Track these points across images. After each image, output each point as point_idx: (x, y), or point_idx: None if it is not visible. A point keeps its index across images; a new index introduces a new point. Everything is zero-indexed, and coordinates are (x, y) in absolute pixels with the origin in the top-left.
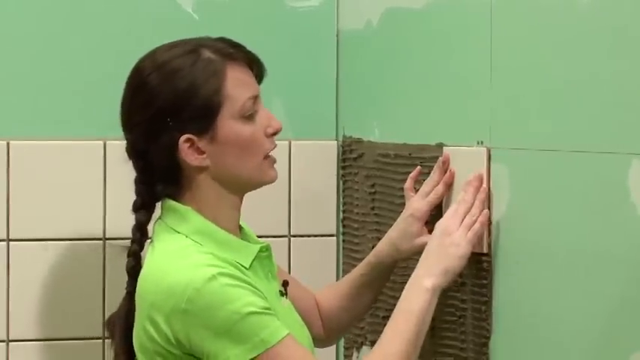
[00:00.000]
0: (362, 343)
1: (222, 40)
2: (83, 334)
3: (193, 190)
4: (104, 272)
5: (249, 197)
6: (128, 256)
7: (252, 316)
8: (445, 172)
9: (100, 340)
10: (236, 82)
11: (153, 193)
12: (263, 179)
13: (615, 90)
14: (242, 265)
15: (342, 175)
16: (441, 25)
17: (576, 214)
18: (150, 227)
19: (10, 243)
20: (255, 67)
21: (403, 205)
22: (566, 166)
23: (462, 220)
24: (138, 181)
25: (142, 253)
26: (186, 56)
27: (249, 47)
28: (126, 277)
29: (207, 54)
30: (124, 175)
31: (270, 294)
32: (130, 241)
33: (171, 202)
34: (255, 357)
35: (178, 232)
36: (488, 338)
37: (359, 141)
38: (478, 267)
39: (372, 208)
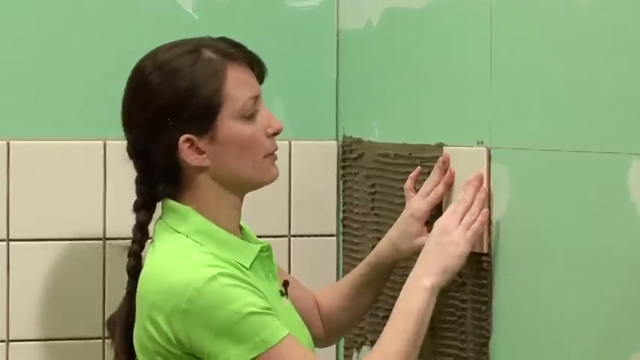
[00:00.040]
0: (362, 343)
1: (223, 40)
2: (83, 334)
3: (193, 190)
4: (104, 272)
5: (249, 197)
6: (129, 256)
7: (252, 316)
8: (445, 172)
9: (100, 340)
10: (236, 82)
11: (153, 193)
12: (264, 179)
13: (615, 90)
14: (242, 265)
15: (342, 175)
16: (441, 25)
17: (576, 214)
18: (150, 227)
19: (10, 243)
20: (256, 67)
21: (403, 205)
22: (567, 166)
23: (461, 219)
24: (138, 181)
25: (142, 253)
26: (186, 56)
27: (250, 47)
28: (126, 277)
29: (207, 54)
30: (124, 175)
31: (271, 294)
32: (130, 241)
33: (172, 202)
34: (255, 357)
35: (179, 232)
36: (489, 338)
37: (359, 141)
38: (478, 267)
39: (372, 208)
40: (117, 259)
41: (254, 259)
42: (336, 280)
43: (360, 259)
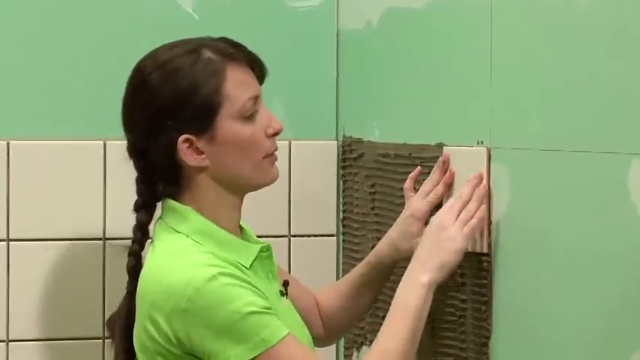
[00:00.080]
0: (362, 343)
1: (223, 40)
2: (83, 334)
3: (193, 190)
4: (104, 272)
5: (249, 197)
6: (129, 255)
7: (252, 316)
8: (445, 172)
9: (100, 340)
10: (236, 83)
11: (153, 193)
12: (263, 179)
13: (615, 90)
14: (242, 265)
15: (342, 175)
16: (441, 25)
17: (576, 214)
18: (151, 227)
19: (10, 243)
20: (257, 67)
21: (403, 205)
22: (567, 166)
23: (458, 215)
24: (138, 181)
25: (142, 253)
26: (186, 56)
27: (250, 47)
28: (126, 277)
29: (207, 54)
30: (124, 175)
31: (271, 294)
32: (130, 240)
33: (172, 202)
34: (256, 356)
35: (179, 232)
36: (489, 338)
37: (359, 141)
38: (478, 267)
39: (372, 208)
40: (117, 259)
41: (254, 259)
42: (336, 280)
43: (360, 259)
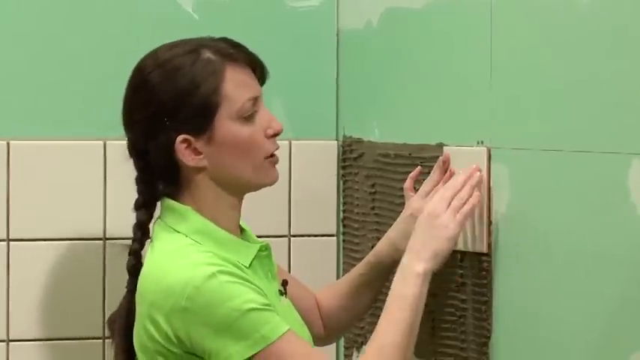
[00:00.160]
0: (362, 343)
1: (223, 40)
2: (83, 334)
3: (192, 190)
4: (104, 272)
5: (249, 197)
6: (129, 254)
7: (252, 313)
8: (445, 171)
9: (100, 340)
10: (235, 83)
11: (153, 192)
12: (263, 180)
13: (615, 90)
14: (242, 265)
15: (342, 175)
16: (441, 25)
17: (576, 214)
18: (151, 226)
19: (10, 243)
20: (257, 68)
21: (403, 205)
22: (567, 166)
23: (449, 202)
24: (138, 180)
25: (142, 252)
26: (186, 56)
27: (250, 47)
28: (126, 277)
29: (207, 54)
30: (124, 175)
31: (270, 293)
32: (130, 240)
33: (171, 202)
34: (256, 353)
35: (178, 232)
36: (489, 338)
37: (359, 141)
38: (478, 267)
39: (372, 208)
40: (117, 258)
41: (253, 259)
42: (336, 280)
43: (360, 259)
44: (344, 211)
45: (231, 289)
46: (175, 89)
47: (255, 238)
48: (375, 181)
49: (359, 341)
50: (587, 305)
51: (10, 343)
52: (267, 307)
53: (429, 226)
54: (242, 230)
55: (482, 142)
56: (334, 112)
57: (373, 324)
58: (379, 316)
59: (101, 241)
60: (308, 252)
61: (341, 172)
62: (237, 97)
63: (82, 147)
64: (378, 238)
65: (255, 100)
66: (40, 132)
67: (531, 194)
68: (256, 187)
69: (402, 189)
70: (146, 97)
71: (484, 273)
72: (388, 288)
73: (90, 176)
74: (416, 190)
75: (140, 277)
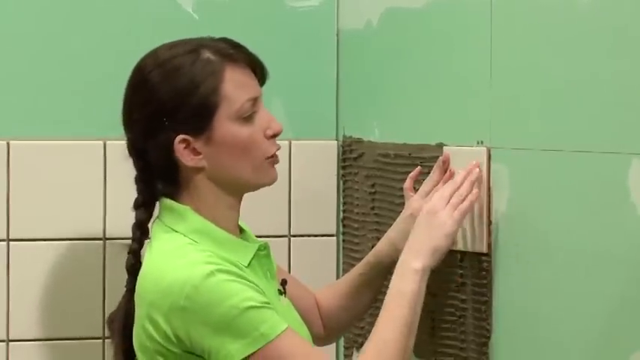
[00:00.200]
0: (362, 343)
1: (223, 40)
2: (83, 334)
3: (191, 190)
4: (104, 272)
5: (249, 198)
6: (128, 253)
7: (251, 311)
8: (445, 171)
9: (100, 340)
10: (235, 84)
11: (152, 192)
12: (262, 180)
13: (615, 90)
14: (241, 264)
15: (342, 175)
16: (441, 25)
17: (576, 214)
18: (150, 225)
19: (10, 243)
20: (257, 69)
21: (403, 205)
22: (567, 166)
23: (449, 200)
24: (138, 180)
25: (141, 251)
26: (186, 55)
27: (250, 47)
28: (126, 277)
29: (206, 54)
30: (124, 175)
31: (269, 292)
32: (130, 240)
33: (169, 202)
34: (255, 351)
35: (176, 232)
36: (489, 338)
37: (359, 141)
38: (478, 267)
39: (372, 208)
40: (117, 258)
41: (252, 258)
42: (336, 280)
43: (360, 259)
44: (344, 211)
45: (230, 288)
46: (175, 89)
47: (255, 238)
48: (375, 181)
49: (359, 341)
50: (587, 305)
51: (10, 343)
52: (265, 305)
53: (427, 223)
54: (241, 230)
55: (482, 142)
56: (334, 112)
57: (373, 324)
58: (379, 315)
59: (101, 241)
60: (308, 252)
61: (341, 172)
62: (237, 98)
63: (82, 147)
64: (378, 238)
65: (255, 100)
66: (40, 132)
67: (531, 194)
68: (255, 187)
69: (401, 189)
70: (145, 96)
71: (484, 273)
72: (388, 287)
73: (90, 176)
74: (416, 190)
75: (139, 278)
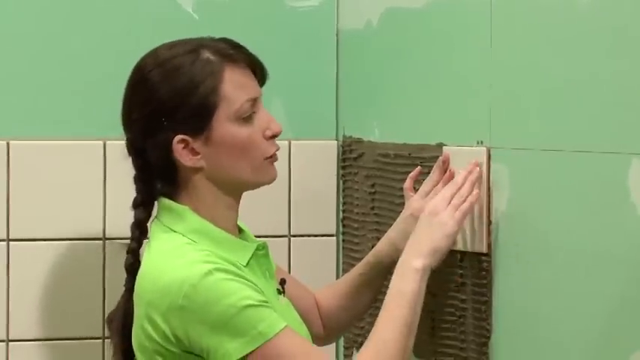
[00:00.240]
0: (362, 343)
1: (224, 40)
2: (83, 334)
3: (190, 190)
4: (104, 272)
5: (249, 197)
6: (127, 253)
7: (249, 309)
8: (445, 171)
9: (100, 340)
10: (234, 84)
11: (151, 191)
12: (262, 179)
13: (615, 90)
14: (239, 263)
15: (342, 175)
16: (441, 24)
17: (576, 214)
18: (149, 225)
19: (10, 243)
20: (257, 69)
21: (403, 205)
22: (567, 166)
23: (450, 200)
24: (136, 179)
25: (140, 251)
26: (186, 55)
27: (250, 47)
28: (125, 277)
29: (206, 54)
30: (123, 175)
31: (268, 292)
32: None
33: (168, 202)
34: (254, 350)
35: (175, 232)
36: (489, 338)
37: (359, 141)
38: (478, 267)
39: (372, 208)
40: (116, 258)
41: (250, 257)
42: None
43: (360, 259)
44: (344, 211)
45: (228, 287)
46: (174, 89)
47: (254, 237)
48: (374, 181)
49: (359, 341)
50: (587, 305)
51: (10, 343)
52: (264, 304)
53: (428, 223)
54: (240, 230)
55: (482, 142)
56: (334, 112)
57: (373, 324)
58: (378, 314)
59: (101, 241)
60: (308, 252)
61: (341, 172)
62: (236, 98)
63: (82, 147)
64: (378, 238)
65: (254, 101)
66: (40, 132)
67: (531, 194)
68: (254, 186)
69: (401, 189)
70: (145, 95)
71: (484, 273)
72: (388, 287)
73: (90, 176)
74: (416, 190)
75: (138, 278)
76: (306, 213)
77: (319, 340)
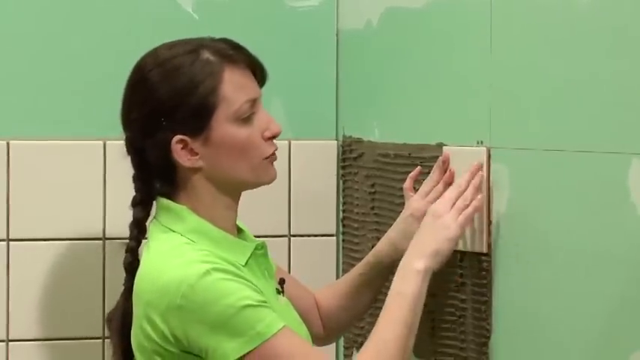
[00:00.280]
0: (362, 343)
1: (224, 41)
2: (83, 334)
3: (189, 190)
4: (104, 272)
5: (249, 197)
6: (125, 252)
7: (247, 310)
8: (445, 171)
9: (100, 340)
10: (233, 85)
11: (150, 190)
12: (261, 179)
13: (615, 90)
14: (238, 263)
15: (342, 175)
16: (441, 24)
17: (576, 213)
18: (148, 224)
19: (10, 243)
20: (257, 70)
21: (403, 205)
22: (567, 165)
23: (454, 203)
24: (136, 178)
25: (139, 249)
26: (186, 55)
27: (249, 47)
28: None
29: (206, 55)
30: (123, 175)
31: (268, 292)
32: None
33: (166, 202)
34: (252, 350)
35: (174, 232)
36: (488, 338)
37: (359, 141)
38: (478, 267)
39: (372, 208)
40: (116, 258)
41: (249, 257)
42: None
43: (360, 259)
44: (344, 211)
45: (226, 287)
46: (174, 89)
47: (253, 237)
48: (374, 181)
49: (359, 341)
50: (587, 305)
51: (10, 343)
52: (262, 304)
53: (430, 225)
54: (240, 231)
55: (482, 142)
56: (334, 112)
57: (373, 324)
58: (379, 315)
59: (101, 241)
60: (308, 252)
61: (341, 172)
62: (235, 99)
63: (82, 147)
64: (378, 238)
65: (254, 102)
66: (40, 132)
67: (531, 194)
68: (254, 186)
69: (401, 189)
70: (144, 95)
71: (484, 273)
72: (388, 288)
73: (90, 176)
74: (416, 190)
75: (136, 278)
76: (306, 213)
77: (319, 340)
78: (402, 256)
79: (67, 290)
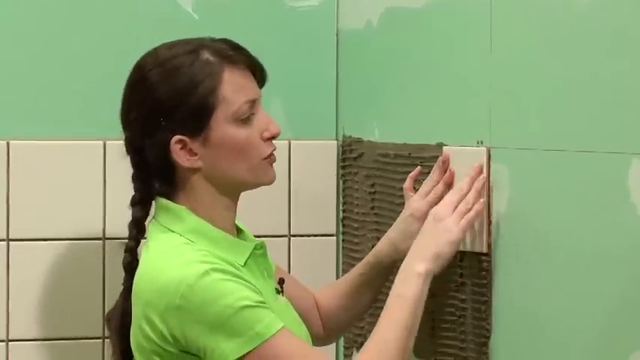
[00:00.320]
0: (362, 343)
1: (224, 41)
2: (83, 334)
3: (188, 190)
4: (104, 272)
5: (248, 197)
6: (125, 251)
7: (246, 310)
8: (445, 171)
9: (100, 340)
10: (233, 85)
11: (149, 190)
12: (260, 180)
13: (615, 90)
14: (237, 263)
15: (342, 175)
16: (441, 24)
17: (576, 213)
18: (147, 224)
19: (10, 243)
20: (257, 71)
21: (403, 205)
22: (567, 165)
23: (456, 207)
24: (135, 177)
25: (138, 249)
26: (186, 56)
27: (249, 47)
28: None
29: (206, 55)
30: (123, 175)
31: (267, 292)
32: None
33: (165, 202)
34: (250, 350)
35: (173, 232)
36: (488, 338)
37: (359, 141)
38: (478, 267)
39: (372, 208)
40: (116, 258)
41: (248, 257)
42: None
43: (360, 259)
44: (344, 211)
45: (225, 287)
46: (173, 89)
47: (252, 237)
48: (374, 181)
49: (359, 341)
50: (587, 305)
51: (10, 343)
52: (261, 305)
53: (432, 228)
54: (239, 231)
55: (482, 142)
56: (334, 112)
57: (373, 324)
58: (379, 315)
59: (100, 241)
60: (308, 252)
61: (341, 172)
62: (235, 100)
63: (82, 147)
64: (378, 238)
65: (253, 102)
66: (40, 132)
67: (531, 194)
68: (253, 187)
69: (401, 189)
70: (144, 94)
71: (484, 273)
72: (388, 288)
73: (90, 176)
74: (416, 190)
75: (136, 278)
76: (306, 213)
77: (319, 340)
78: (402, 256)
79: (67, 290)
